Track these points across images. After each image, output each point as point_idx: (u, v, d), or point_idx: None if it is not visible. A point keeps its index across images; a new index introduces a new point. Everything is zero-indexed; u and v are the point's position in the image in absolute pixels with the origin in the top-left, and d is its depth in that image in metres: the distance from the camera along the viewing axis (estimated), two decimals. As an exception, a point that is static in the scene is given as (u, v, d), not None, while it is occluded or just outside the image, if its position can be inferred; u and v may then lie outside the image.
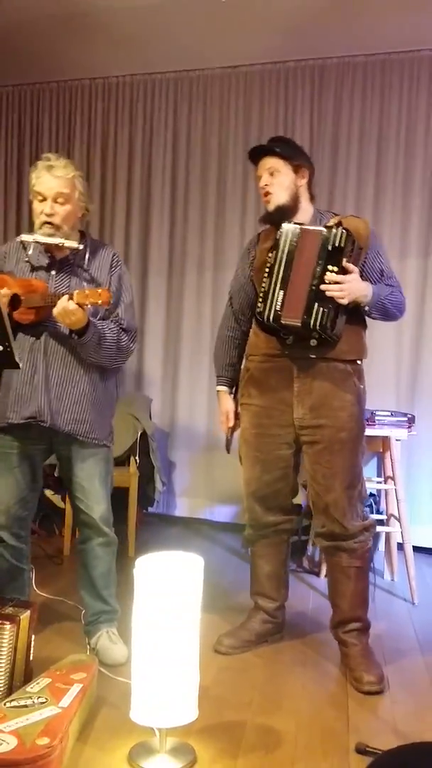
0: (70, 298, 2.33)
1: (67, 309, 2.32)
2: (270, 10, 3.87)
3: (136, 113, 4.87)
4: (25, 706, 1.94)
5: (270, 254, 2.55)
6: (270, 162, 2.61)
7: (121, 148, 4.90)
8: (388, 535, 3.76)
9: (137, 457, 4.07)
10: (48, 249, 2.56)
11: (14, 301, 2.43)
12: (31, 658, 2.29)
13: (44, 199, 2.50)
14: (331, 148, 4.50)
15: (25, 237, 2.56)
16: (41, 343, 2.50)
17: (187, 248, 4.79)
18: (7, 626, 2.15)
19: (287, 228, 2.51)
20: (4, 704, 1.95)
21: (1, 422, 2.55)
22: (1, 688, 2.11)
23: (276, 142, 2.69)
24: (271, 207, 2.61)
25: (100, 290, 2.33)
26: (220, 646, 2.68)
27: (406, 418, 3.64)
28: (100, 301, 2.33)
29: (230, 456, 4.16)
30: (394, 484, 3.58)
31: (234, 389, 2.89)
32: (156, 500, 4.35)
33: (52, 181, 2.49)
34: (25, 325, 2.47)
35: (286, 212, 2.59)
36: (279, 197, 2.59)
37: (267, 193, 2.61)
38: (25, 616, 2.23)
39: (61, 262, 2.57)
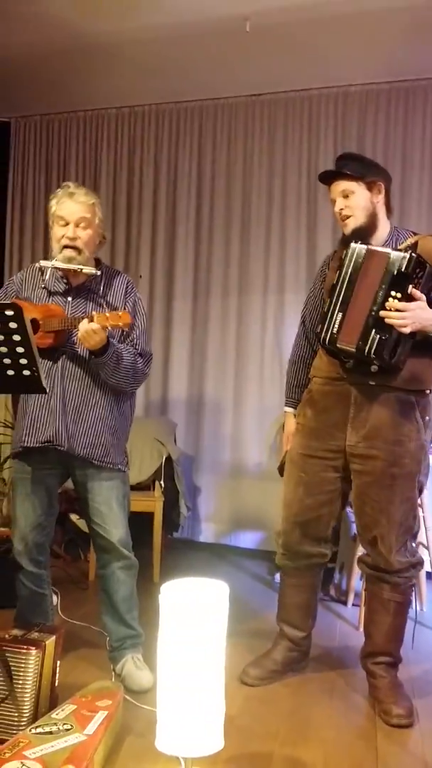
0: (91, 320, 2.35)
1: (89, 330, 2.34)
2: (293, 38, 3.92)
3: (162, 141, 4.95)
4: (51, 732, 1.93)
5: (335, 273, 2.47)
6: (343, 185, 2.51)
7: (147, 175, 4.97)
8: (423, 566, 3.69)
9: (162, 482, 4.07)
10: (65, 275, 2.59)
11: (33, 326, 2.45)
12: (56, 684, 2.28)
13: (66, 224, 2.53)
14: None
15: (43, 263, 2.59)
16: (58, 367, 2.53)
17: (212, 273, 4.82)
18: (33, 652, 2.14)
19: (354, 248, 2.42)
20: (30, 731, 1.94)
21: (16, 447, 2.57)
22: (27, 714, 2.10)
23: (345, 161, 2.57)
24: (348, 231, 2.51)
25: (120, 313, 2.35)
26: (246, 678, 2.63)
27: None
28: (120, 323, 2.34)
29: (255, 481, 4.14)
30: (422, 511, 3.53)
31: None
32: (181, 525, 4.34)
33: (74, 206, 2.53)
34: (42, 349, 2.48)
35: (364, 233, 2.49)
36: (357, 220, 2.49)
37: (345, 217, 2.52)
38: (50, 641, 2.23)
39: (77, 288, 2.60)
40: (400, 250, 2.35)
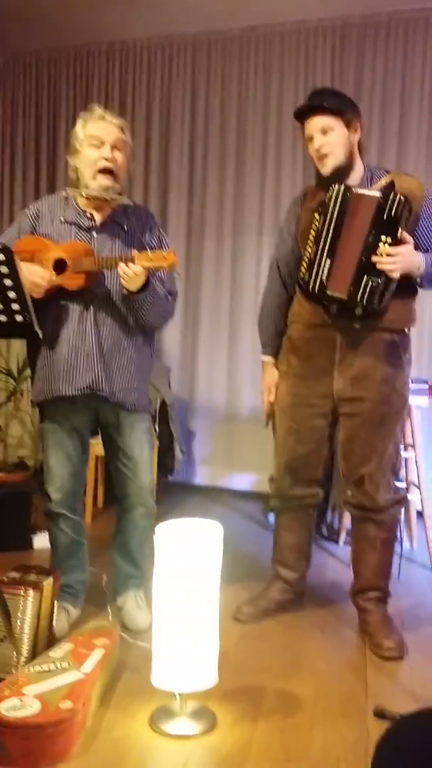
0: (131, 260, 2.23)
1: (130, 274, 2.23)
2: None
3: (154, 76, 4.81)
4: (48, 670, 1.98)
5: (317, 217, 2.39)
6: (321, 120, 2.39)
7: (139, 111, 4.84)
8: (407, 502, 3.76)
9: (157, 426, 4.08)
10: (86, 208, 2.44)
11: (59, 266, 2.34)
12: (53, 624, 2.33)
13: (101, 144, 2.37)
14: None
15: (71, 191, 2.43)
16: (90, 310, 2.40)
17: (206, 214, 4.75)
18: (31, 593, 2.18)
19: (337, 191, 2.33)
20: (28, 669, 1.99)
21: (48, 395, 2.43)
22: (25, 654, 2.15)
23: (323, 95, 2.44)
24: (328, 169, 2.42)
25: (165, 253, 2.23)
26: (239, 614, 2.69)
27: (427, 386, 3.61)
28: (165, 264, 2.22)
29: (249, 424, 4.15)
30: (414, 452, 3.56)
31: None
32: (176, 468, 4.37)
33: (111, 126, 2.38)
34: (71, 291, 2.37)
35: (343, 173, 2.42)
36: (337, 158, 2.40)
37: (324, 155, 2.42)
38: (47, 582, 2.26)
39: (102, 223, 2.45)
40: (387, 193, 2.27)
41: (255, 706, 2.08)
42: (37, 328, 2.25)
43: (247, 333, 4.66)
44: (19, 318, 2.21)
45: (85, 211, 2.46)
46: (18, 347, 5.04)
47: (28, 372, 4.71)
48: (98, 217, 2.46)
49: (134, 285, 2.29)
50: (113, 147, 2.38)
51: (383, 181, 2.41)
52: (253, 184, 4.64)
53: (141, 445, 2.55)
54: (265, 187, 4.62)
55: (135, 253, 2.26)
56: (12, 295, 2.15)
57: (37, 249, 2.37)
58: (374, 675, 2.31)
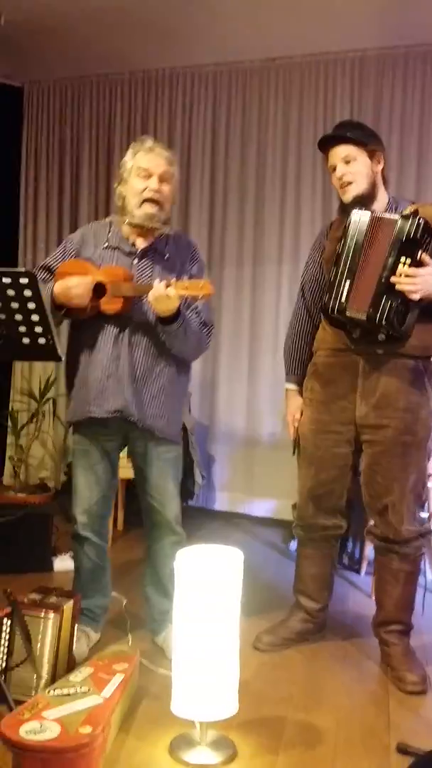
0: (168, 285, 2.23)
1: (163, 296, 2.21)
2: (309, 1, 3.82)
3: (176, 106, 4.88)
4: (68, 694, 1.96)
5: (339, 242, 2.42)
6: (344, 150, 2.45)
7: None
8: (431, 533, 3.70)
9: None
10: (129, 235, 2.47)
11: (99, 289, 2.36)
12: (74, 647, 2.32)
13: (149, 176, 2.40)
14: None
15: (115, 218, 2.47)
16: (126, 335, 2.41)
17: (226, 241, 4.78)
18: (52, 616, 2.17)
19: (358, 215, 2.37)
20: (48, 692, 1.98)
21: (80, 417, 2.46)
22: (45, 677, 2.14)
23: (347, 128, 2.52)
24: (349, 197, 2.46)
25: (201, 282, 2.23)
26: (259, 644, 2.65)
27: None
28: (201, 294, 2.22)
29: (269, 450, 4.13)
30: (436, 481, 3.52)
31: None
32: (195, 494, 4.36)
33: (159, 158, 2.42)
34: (109, 314, 2.38)
35: (365, 202, 2.44)
36: (359, 186, 2.44)
37: (347, 183, 2.46)
38: (68, 606, 2.26)
39: (143, 249, 2.47)
40: (407, 216, 2.30)
41: (275, 737, 2.05)
42: (59, 351, 2.28)
43: (266, 359, 4.67)
44: (41, 340, 2.24)
45: (128, 238, 2.49)
46: (40, 369, 5.08)
47: (50, 394, 4.76)
48: (141, 245, 2.48)
49: (162, 306, 2.26)
50: (161, 179, 2.42)
51: (408, 210, 2.42)
52: (273, 212, 4.67)
53: (166, 476, 2.52)
54: (284, 216, 4.65)
55: (172, 280, 2.26)
56: (35, 318, 2.18)
57: (78, 272, 2.40)
58: (397, 709, 2.27)
